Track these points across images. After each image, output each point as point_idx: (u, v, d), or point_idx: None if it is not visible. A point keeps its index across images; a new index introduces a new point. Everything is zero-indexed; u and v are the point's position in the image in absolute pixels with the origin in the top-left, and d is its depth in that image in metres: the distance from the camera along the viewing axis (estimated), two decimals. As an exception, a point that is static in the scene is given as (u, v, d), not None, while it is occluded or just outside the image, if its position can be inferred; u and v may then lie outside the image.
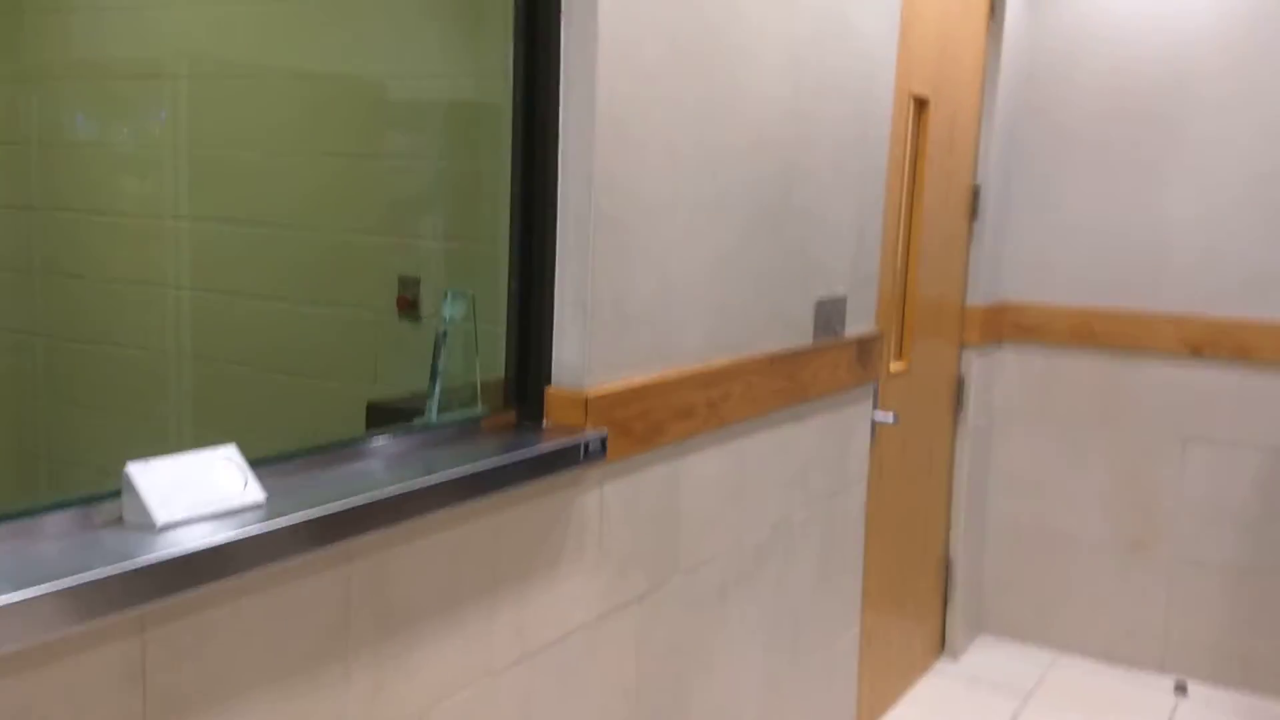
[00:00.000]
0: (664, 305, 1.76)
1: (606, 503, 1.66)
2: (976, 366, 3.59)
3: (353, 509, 1.12)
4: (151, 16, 2.60)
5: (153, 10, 2.60)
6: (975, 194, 3.48)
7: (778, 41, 2.03)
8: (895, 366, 3.06)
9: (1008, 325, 3.76)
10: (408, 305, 2.42)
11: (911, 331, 3.14)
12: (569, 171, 1.55)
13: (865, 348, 2.62)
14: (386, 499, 1.17)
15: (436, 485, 1.24)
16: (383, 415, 1.77)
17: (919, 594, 3.47)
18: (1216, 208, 3.42)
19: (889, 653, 3.23)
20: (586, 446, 1.50)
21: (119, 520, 1.03)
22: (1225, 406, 3.46)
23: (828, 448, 2.49)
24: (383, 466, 1.30)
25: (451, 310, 1.44)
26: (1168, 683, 3.51)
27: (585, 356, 1.57)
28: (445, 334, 1.44)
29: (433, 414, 1.44)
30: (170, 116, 2.59)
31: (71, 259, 2.75)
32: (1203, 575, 3.53)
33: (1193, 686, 3.48)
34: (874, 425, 2.85)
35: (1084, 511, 3.70)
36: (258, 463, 1.21)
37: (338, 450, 1.32)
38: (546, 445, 1.44)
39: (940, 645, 3.69)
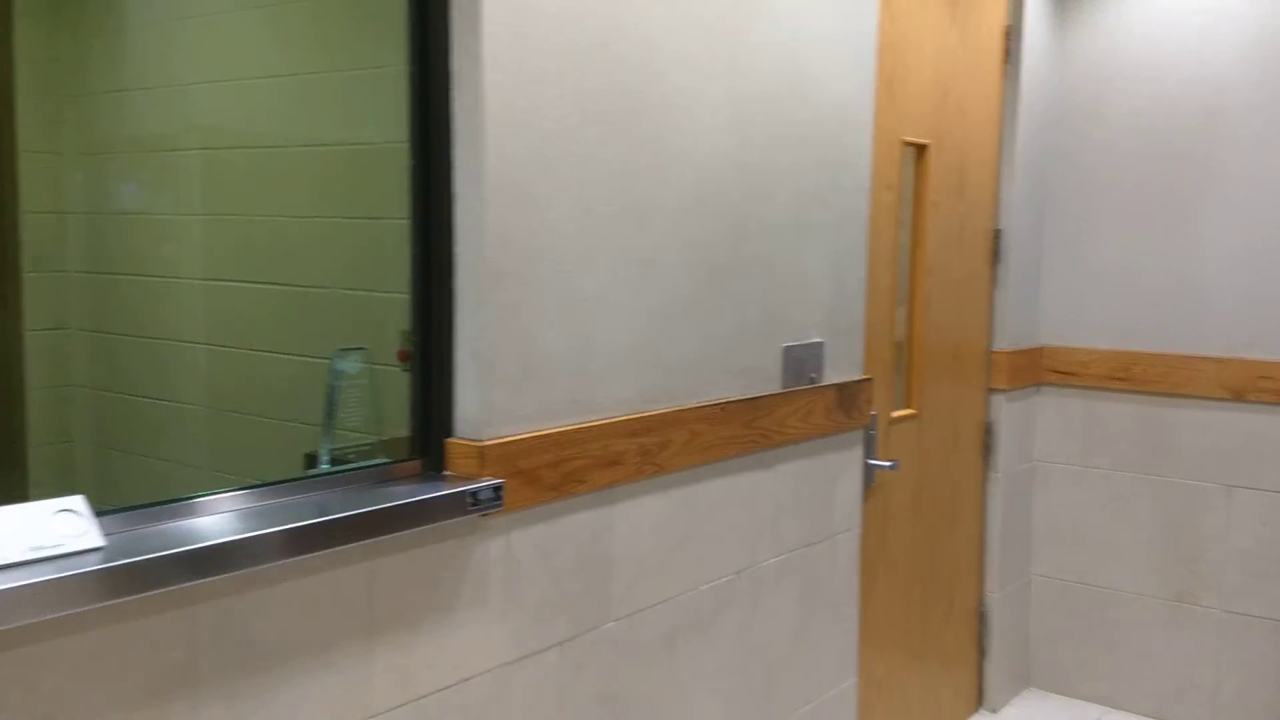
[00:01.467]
0: (584, 357, 1.82)
1: (515, 550, 1.71)
2: (1006, 412, 3.52)
3: (188, 554, 1.21)
4: (184, 95, 2.82)
5: (185, 89, 2.81)
6: (996, 238, 3.44)
7: (718, 98, 2.09)
8: (900, 412, 3.03)
9: (1044, 369, 3.68)
10: (407, 357, 2.54)
11: (919, 377, 3.11)
12: (464, 230, 1.63)
13: (848, 393, 2.61)
14: (226, 544, 1.25)
15: (285, 532, 1.32)
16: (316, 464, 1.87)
17: (948, 645, 3.39)
18: (1255, 246, 3.30)
19: (908, 704, 3.17)
20: (475, 495, 1.56)
21: (-41, 563, 1.14)
22: (1271, 452, 3.30)
23: (805, 494, 2.49)
24: (254, 514, 1.39)
25: (343, 366, 1.53)
26: (1217, 743, 3.34)
27: (485, 408, 1.64)
28: (338, 388, 1.52)
29: (324, 465, 1.52)
30: (195, 186, 2.79)
31: (108, 317, 2.97)
32: (1254, 630, 3.35)
33: (1244, 748, 3.31)
34: (871, 471, 2.83)
35: (1129, 561, 3.57)
36: (131, 510, 1.32)
37: (218, 499, 1.41)
38: (425, 493, 1.51)
39: (978, 698, 3.59)
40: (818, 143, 2.42)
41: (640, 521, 1.99)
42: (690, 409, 2.09)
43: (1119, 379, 3.56)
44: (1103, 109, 3.54)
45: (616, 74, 1.84)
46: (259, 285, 2.65)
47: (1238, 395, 3.34)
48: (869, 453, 2.81)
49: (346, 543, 1.40)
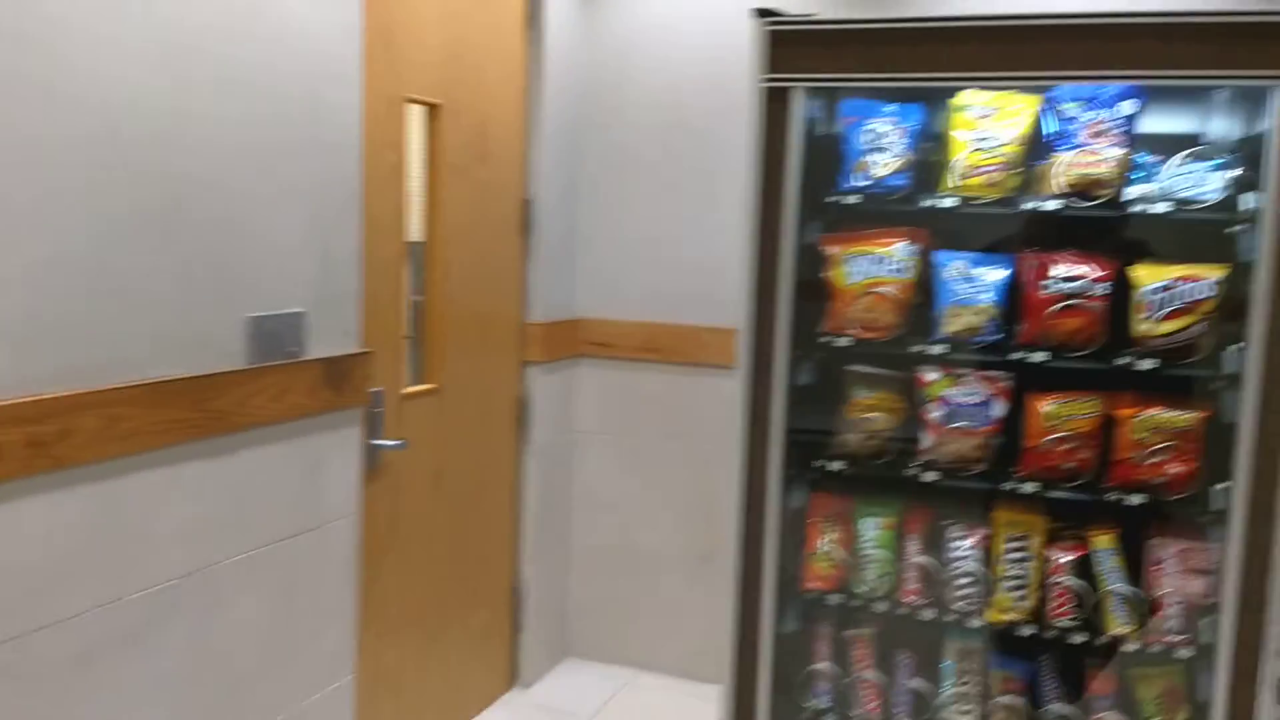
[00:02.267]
0: (-74, 330, 1.48)
1: None
2: (542, 384, 3.48)
3: None
4: None
5: None
6: (526, 207, 3.37)
7: (135, 28, 1.79)
8: (416, 388, 2.88)
9: (582, 341, 3.69)
10: None
11: (440, 350, 2.97)
12: None
13: (340, 369, 2.41)
14: None
15: None
16: None
17: (480, 624, 3.31)
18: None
19: (426, 691, 3.04)
20: None
21: None
22: (773, 418, 3.50)
23: (282, 483, 2.26)
24: None
25: None
26: (731, 696, 3.52)
27: None
28: None
29: None
30: None
31: None
32: (762, 586, 3.55)
33: (754, 697, 3.50)
34: (375, 452, 2.65)
35: (659, 527, 3.67)
36: None
37: None
38: None
39: (512, 674, 3.55)
40: (288, 94, 2.18)
41: (33, 526, 1.67)
42: (108, 390, 1.79)
43: (650, 350, 3.64)
44: (627, 86, 3.57)
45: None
46: None
47: (747, 364, 3.51)
48: (373, 432, 2.63)
49: None
